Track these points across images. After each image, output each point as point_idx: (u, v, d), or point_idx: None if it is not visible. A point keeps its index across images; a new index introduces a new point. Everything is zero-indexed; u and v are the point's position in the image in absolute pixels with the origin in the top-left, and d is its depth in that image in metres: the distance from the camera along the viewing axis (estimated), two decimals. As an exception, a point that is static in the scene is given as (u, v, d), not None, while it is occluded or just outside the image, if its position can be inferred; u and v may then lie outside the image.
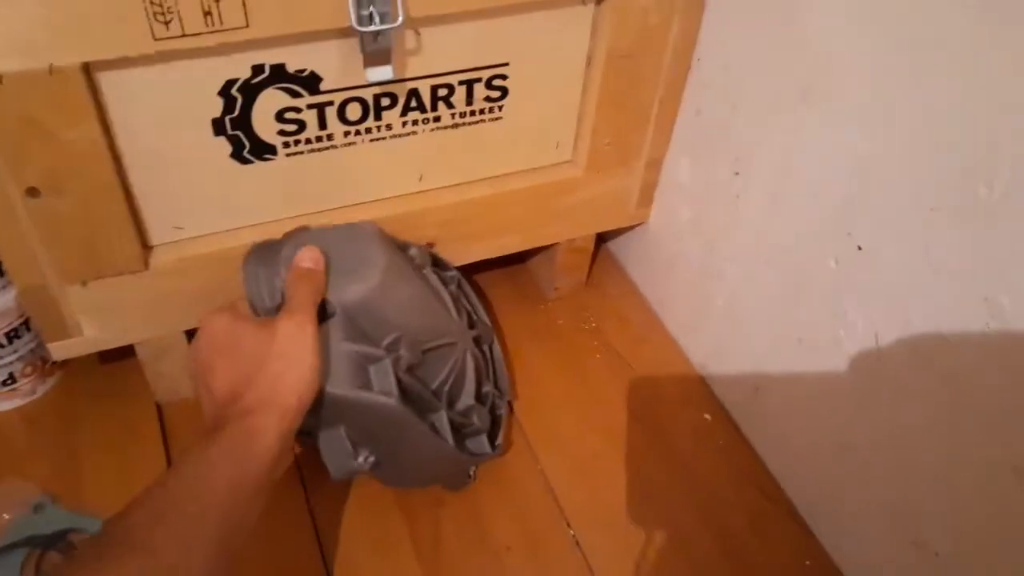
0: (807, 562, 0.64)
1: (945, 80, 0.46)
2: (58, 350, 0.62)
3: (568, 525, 0.66)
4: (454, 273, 0.69)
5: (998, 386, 0.47)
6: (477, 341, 0.67)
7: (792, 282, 0.62)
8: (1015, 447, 0.46)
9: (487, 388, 0.67)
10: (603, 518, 0.66)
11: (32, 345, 0.67)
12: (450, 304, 0.64)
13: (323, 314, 0.54)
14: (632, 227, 0.85)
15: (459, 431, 0.63)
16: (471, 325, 0.67)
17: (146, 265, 0.60)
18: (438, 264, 0.68)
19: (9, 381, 0.67)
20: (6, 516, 0.61)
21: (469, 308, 0.69)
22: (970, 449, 0.50)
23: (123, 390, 0.71)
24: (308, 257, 0.54)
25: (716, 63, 0.66)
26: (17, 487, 0.63)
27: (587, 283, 0.87)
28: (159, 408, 0.71)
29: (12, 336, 0.65)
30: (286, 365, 0.49)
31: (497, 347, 0.72)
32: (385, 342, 0.56)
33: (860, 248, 0.55)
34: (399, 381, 0.56)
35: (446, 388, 0.62)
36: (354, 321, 0.55)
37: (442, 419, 0.60)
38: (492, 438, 0.66)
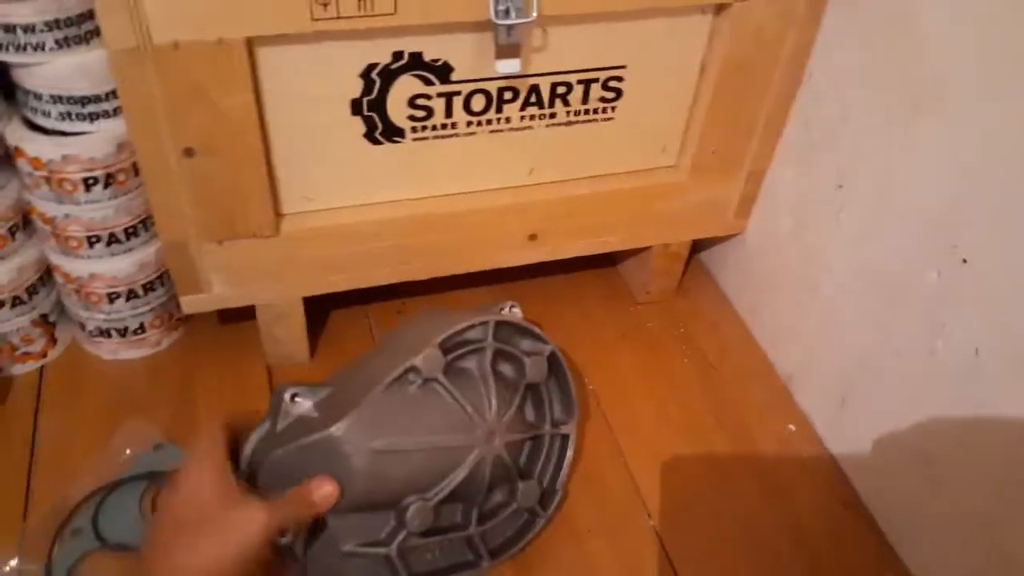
0: (887, 575, 0.65)
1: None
2: (189, 304, 0.67)
3: (648, 516, 0.67)
4: (548, 347, 0.64)
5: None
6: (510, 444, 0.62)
7: (890, 295, 0.63)
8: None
9: (503, 493, 0.63)
10: (683, 514, 0.68)
11: (164, 299, 0.73)
12: (470, 410, 0.59)
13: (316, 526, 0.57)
14: (727, 238, 0.86)
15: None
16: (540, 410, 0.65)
17: (277, 231, 0.65)
18: (531, 335, 0.64)
19: (140, 330, 0.73)
20: (129, 451, 0.66)
21: (547, 396, 0.66)
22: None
23: (239, 350, 0.76)
24: (324, 494, 0.55)
25: (828, 76, 0.68)
26: (140, 427, 0.68)
27: (678, 290, 0.88)
28: (269, 370, 0.75)
29: (148, 288, 0.71)
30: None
31: (571, 436, 0.66)
32: (393, 516, 0.58)
33: (965, 261, 0.55)
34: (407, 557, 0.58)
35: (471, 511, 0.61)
36: (357, 508, 0.56)
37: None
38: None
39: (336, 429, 0.55)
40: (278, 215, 0.65)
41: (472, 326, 0.60)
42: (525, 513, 0.64)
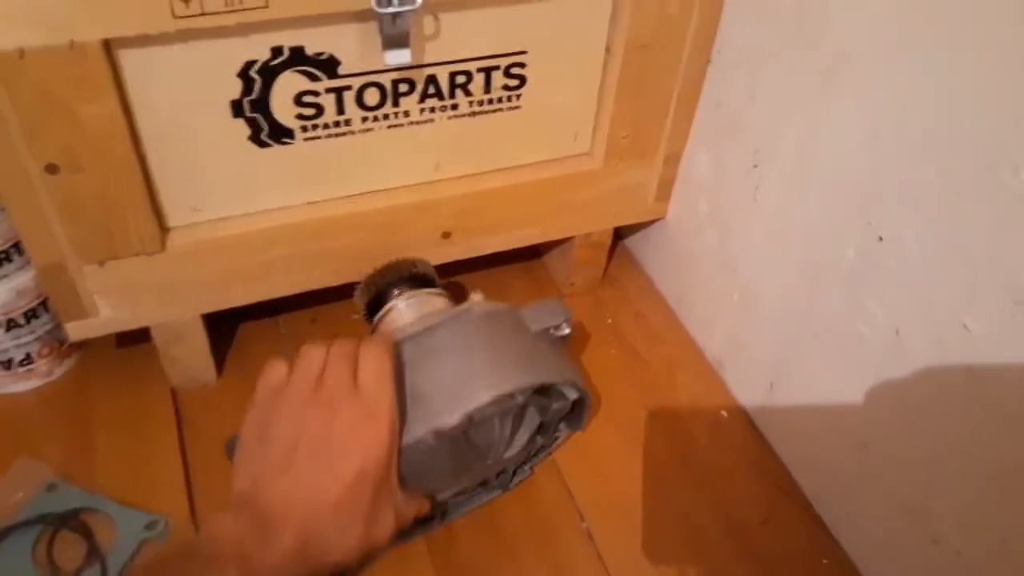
0: (824, 560, 0.63)
1: (970, 61, 0.46)
2: (75, 330, 0.62)
3: (581, 517, 0.65)
4: (576, 394, 0.60)
5: (1016, 377, 0.46)
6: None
7: (810, 275, 0.61)
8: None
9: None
10: (617, 511, 0.65)
11: (50, 326, 0.67)
12: (480, 455, 0.58)
13: None
14: (650, 223, 0.84)
15: None
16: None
17: (163, 247, 0.60)
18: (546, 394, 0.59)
19: (26, 361, 0.68)
20: (20, 495, 0.61)
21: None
22: (992, 444, 0.48)
23: (138, 374, 0.71)
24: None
25: (736, 54, 0.65)
26: (31, 466, 0.63)
27: (604, 279, 0.86)
28: (174, 393, 0.71)
29: (30, 316, 0.66)
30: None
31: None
32: None
33: (881, 238, 0.54)
34: None
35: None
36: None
37: None
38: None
39: None
40: (163, 229, 0.61)
41: (511, 392, 0.54)
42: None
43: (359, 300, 0.65)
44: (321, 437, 0.48)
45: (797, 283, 0.63)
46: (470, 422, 0.53)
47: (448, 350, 0.54)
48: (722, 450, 0.71)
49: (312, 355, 0.51)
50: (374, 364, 0.51)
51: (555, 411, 0.59)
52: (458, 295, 0.71)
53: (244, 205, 0.62)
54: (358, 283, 0.64)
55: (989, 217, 0.46)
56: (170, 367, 0.69)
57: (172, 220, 0.61)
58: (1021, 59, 0.43)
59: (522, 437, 0.60)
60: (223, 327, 0.75)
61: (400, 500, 0.50)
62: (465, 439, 0.55)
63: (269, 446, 0.48)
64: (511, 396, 0.54)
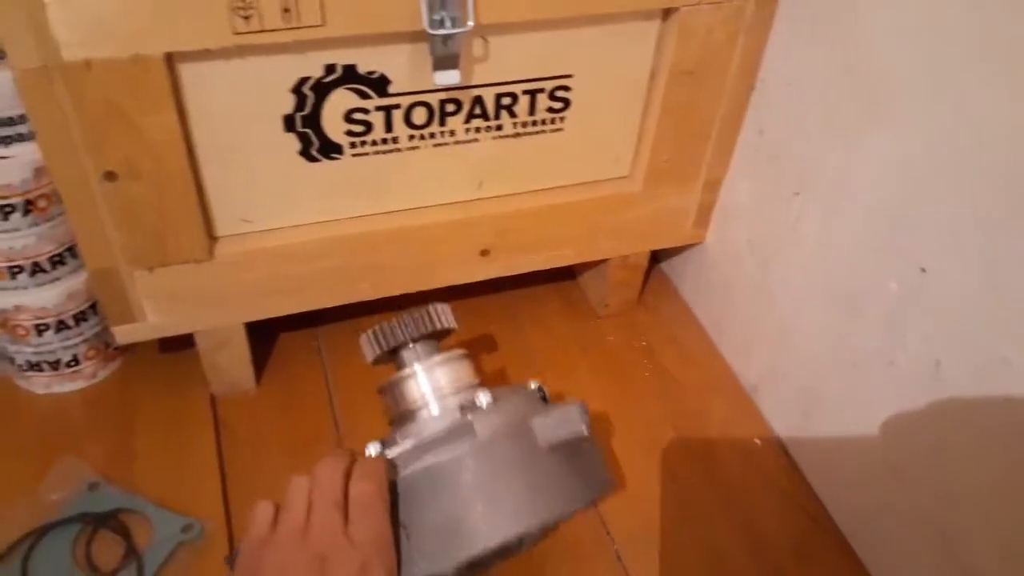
0: (855, 592, 0.63)
1: (1011, 86, 0.46)
2: (122, 334, 0.64)
3: (612, 539, 0.65)
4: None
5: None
6: None
7: (849, 305, 0.61)
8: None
9: None
10: (646, 535, 0.65)
11: (97, 329, 0.69)
12: None
13: None
14: (687, 248, 0.84)
15: None
16: None
17: (211, 255, 0.62)
18: None
19: (73, 363, 0.69)
20: (62, 493, 0.63)
21: None
22: (1018, 476, 0.48)
23: (180, 380, 0.72)
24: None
25: (780, 82, 0.66)
26: (74, 465, 0.64)
27: (639, 302, 0.86)
28: (213, 399, 0.72)
29: (79, 318, 0.67)
30: None
31: None
32: None
33: (923, 270, 0.54)
34: None
35: None
36: None
37: None
38: None
39: None
40: (212, 238, 0.62)
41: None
42: None
43: (367, 349, 0.56)
44: (314, 561, 0.43)
45: (836, 313, 0.63)
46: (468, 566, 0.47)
47: (445, 486, 0.47)
48: (754, 477, 0.70)
49: (298, 494, 0.46)
50: (367, 506, 0.45)
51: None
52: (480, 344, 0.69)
53: (291, 217, 0.64)
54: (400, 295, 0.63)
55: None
56: (212, 373, 0.71)
57: (221, 229, 0.62)
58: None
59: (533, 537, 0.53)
60: (264, 336, 0.76)
61: None
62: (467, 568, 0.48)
63: None
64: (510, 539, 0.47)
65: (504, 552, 0.52)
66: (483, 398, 0.50)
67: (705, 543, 0.65)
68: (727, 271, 0.78)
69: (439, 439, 0.48)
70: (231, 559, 0.47)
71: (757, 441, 0.73)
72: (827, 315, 0.64)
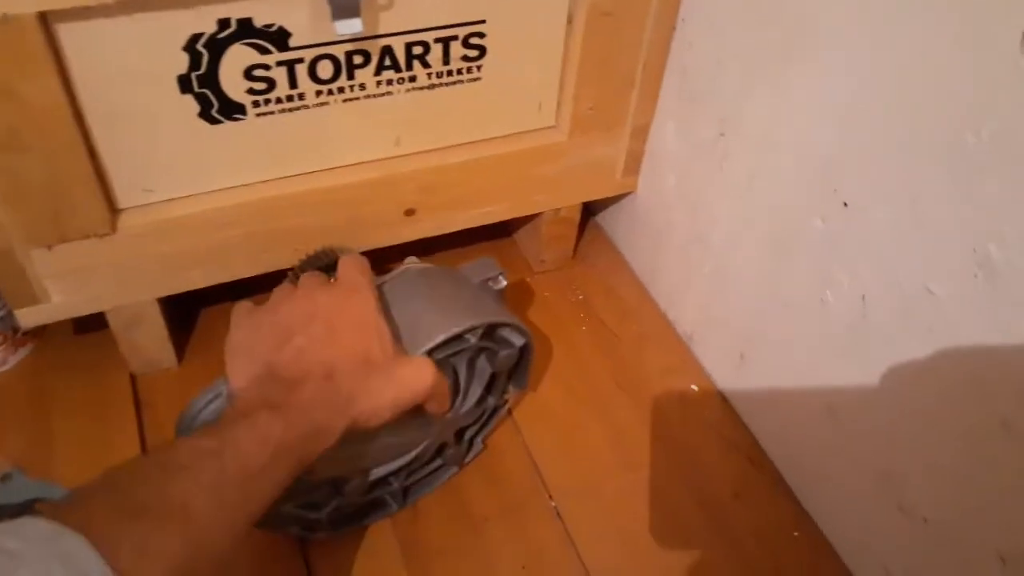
0: (795, 533, 0.63)
1: (932, 24, 0.44)
2: (26, 316, 0.60)
3: (549, 496, 0.64)
4: (523, 340, 0.60)
5: (985, 339, 0.45)
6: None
7: (777, 244, 0.61)
8: (1002, 400, 0.45)
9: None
10: (586, 489, 0.65)
11: (2, 314, 0.66)
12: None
13: None
14: (619, 197, 0.83)
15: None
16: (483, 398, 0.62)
17: (114, 228, 0.58)
18: (511, 326, 0.58)
19: (-21, 350, 0.66)
20: (-26, 486, 0.60)
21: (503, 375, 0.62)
22: (956, 406, 0.48)
23: (98, 361, 0.69)
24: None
25: (701, 21, 0.64)
26: (-15, 457, 0.61)
27: (575, 256, 0.85)
28: (133, 379, 0.69)
29: (-20, 304, 0.64)
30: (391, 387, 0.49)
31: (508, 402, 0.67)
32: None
33: (846, 205, 0.53)
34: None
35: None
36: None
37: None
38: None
39: None
40: (114, 211, 0.59)
41: (465, 331, 0.55)
42: (438, 460, 0.63)
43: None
44: (309, 314, 0.49)
45: (765, 254, 0.62)
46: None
47: (395, 302, 0.54)
48: (693, 424, 0.70)
49: (280, 290, 0.53)
50: (351, 264, 0.54)
51: (503, 359, 0.59)
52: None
53: (198, 184, 0.61)
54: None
55: (951, 180, 0.45)
56: (129, 352, 0.68)
57: (123, 201, 0.59)
58: (981, 20, 0.42)
59: (475, 391, 0.61)
60: (184, 311, 0.73)
61: (420, 360, 0.52)
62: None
63: (263, 342, 0.49)
64: (462, 338, 0.55)
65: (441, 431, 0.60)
66: (410, 259, 0.61)
67: (648, 492, 0.65)
68: (658, 219, 0.77)
69: (383, 278, 0.57)
70: (182, 419, 0.51)
71: (695, 388, 0.73)
72: (757, 257, 0.63)
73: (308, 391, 0.46)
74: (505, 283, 0.62)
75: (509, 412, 0.69)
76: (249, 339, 0.49)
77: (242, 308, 0.52)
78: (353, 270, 0.53)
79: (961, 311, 0.46)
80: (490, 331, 0.58)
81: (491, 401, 0.63)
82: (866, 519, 0.58)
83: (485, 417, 0.65)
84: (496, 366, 0.59)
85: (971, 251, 0.45)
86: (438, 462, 0.63)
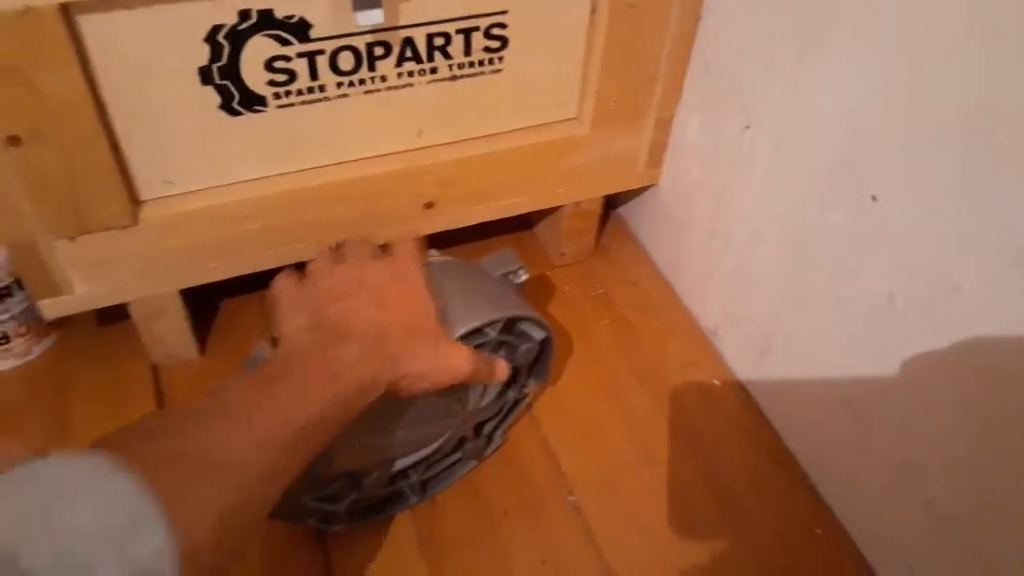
0: (817, 530, 0.62)
1: (952, 13, 0.43)
2: (49, 308, 0.61)
3: (569, 491, 0.64)
4: (543, 334, 0.60)
5: (1009, 332, 0.44)
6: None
7: (800, 239, 0.60)
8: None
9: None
10: (605, 484, 0.64)
11: (25, 305, 0.66)
12: (456, 404, 0.59)
13: None
14: (642, 190, 0.82)
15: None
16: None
17: (135, 220, 0.58)
18: (531, 320, 0.59)
19: (3, 340, 0.66)
20: (-2, 475, 0.60)
21: (525, 369, 0.63)
22: (977, 401, 0.47)
23: (120, 352, 0.70)
24: (503, 373, 0.57)
25: (725, 13, 0.63)
26: (7, 446, 0.62)
27: (596, 249, 0.84)
28: (155, 371, 0.69)
29: (3, 295, 0.64)
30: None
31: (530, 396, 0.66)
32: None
33: (874, 198, 0.52)
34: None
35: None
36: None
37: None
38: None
39: None
40: (135, 202, 0.59)
41: (485, 324, 0.55)
42: (457, 454, 0.63)
43: None
44: (359, 280, 0.52)
45: (788, 249, 0.61)
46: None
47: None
48: (714, 419, 0.69)
49: (322, 259, 0.55)
50: (404, 243, 0.56)
51: (523, 353, 0.59)
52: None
53: (218, 176, 0.61)
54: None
55: (976, 175, 0.44)
56: (150, 344, 0.68)
57: (144, 193, 0.59)
58: (1001, 14, 0.40)
59: (495, 384, 0.60)
60: (205, 303, 0.74)
61: (460, 344, 0.53)
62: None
63: (313, 300, 0.51)
64: (482, 332, 0.55)
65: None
66: (432, 251, 0.61)
67: (667, 487, 0.64)
68: (681, 212, 0.76)
69: None
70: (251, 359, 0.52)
71: (716, 383, 0.72)
72: (780, 252, 0.62)
73: (356, 346, 0.47)
74: (526, 276, 0.62)
75: (529, 406, 0.68)
76: (298, 297, 0.52)
77: (288, 275, 0.54)
78: (405, 246, 0.56)
79: (982, 305, 0.45)
80: (510, 325, 0.58)
81: (511, 395, 0.63)
82: (887, 514, 0.57)
83: (505, 411, 0.65)
84: (516, 360, 0.59)
85: (995, 247, 0.44)
86: (457, 456, 0.63)
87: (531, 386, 0.64)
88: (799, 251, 0.60)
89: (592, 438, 0.67)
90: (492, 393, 0.61)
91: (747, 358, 0.70)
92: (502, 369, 0.57)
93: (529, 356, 0.60)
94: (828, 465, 0.63)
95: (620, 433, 0.68)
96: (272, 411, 0.41)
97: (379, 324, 0.49)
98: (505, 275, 0.61)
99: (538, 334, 0.59)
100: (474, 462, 0.64)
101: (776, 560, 0.60)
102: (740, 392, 0.71)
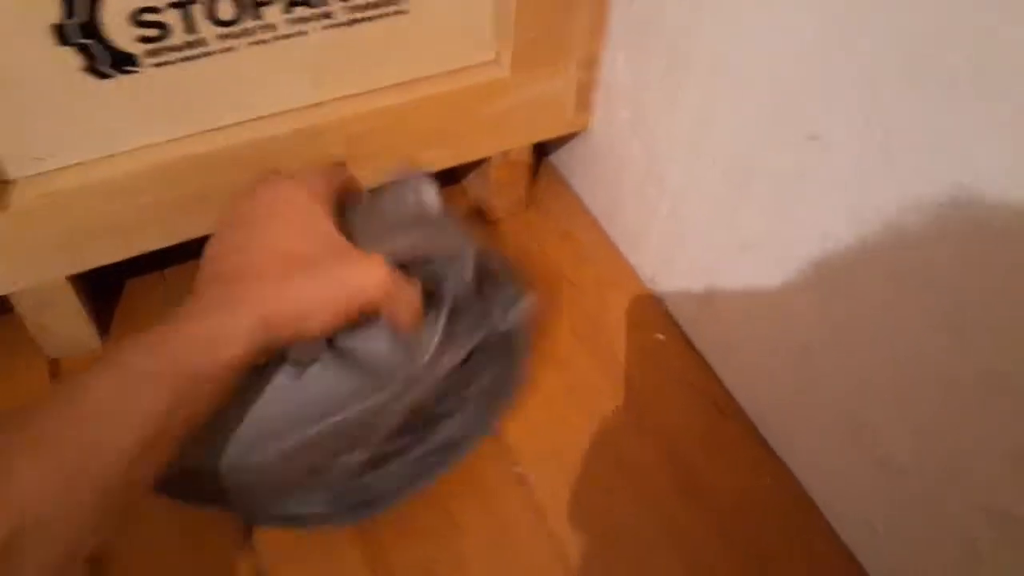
0: (768, 480, 0.59)
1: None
2: (-85, 305, 0.55)
3: (514, 462, 0.60)
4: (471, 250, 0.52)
5: (955, 278, 0.41)
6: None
7: (737, 181, 0.56)
8: (982, 349, 0.41)
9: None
10: (548, 451, 0.61)
11: None
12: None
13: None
14: (573, 137, 0.77)
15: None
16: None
17: (5, 204, 0.52)
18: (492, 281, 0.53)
19: None
20: None
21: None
22: (928, 350, 0.44)
23: (9, 344, 0.63)
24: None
25: (646, -66, 0.58)
26: None
27: (529, 201, 0.80)
28: (54, 363, 0.64)
29: None
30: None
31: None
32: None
33: (812, 138, 0.48)
34: None
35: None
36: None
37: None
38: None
39: None
40: (3, 183, 0.52)
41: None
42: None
43: None
44: (243, 212, 0.48)
45: (725, 190, 0.57)
46: None
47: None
48: (660, 375, 0.66)
49: None
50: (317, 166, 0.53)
51: (453, 283, 0.51)
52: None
53: (96, 148, 0.54)
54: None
55: (924, 109, 0.40)
56: (42, 337, 0.62)
57: (12, 172, 0.53)
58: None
59: (453, 354, 0.51)
60: (104, 283, 0.68)
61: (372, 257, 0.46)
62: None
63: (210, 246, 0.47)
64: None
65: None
66: None
67: (614, 451, 0.61)
68: (614, 157, 0.71)
69: None
70: None
71: (660, 337, 0.68)
72: (716, 193, 0.58)
73: (206, 297, 0.42)
74: (436, 193, 0.54)
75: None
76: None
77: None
78: (315, 168, 0.51)
79: (929, 251, 0.42)
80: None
81: (479, 335, 0.53)
82: (842, 468, 0.54)
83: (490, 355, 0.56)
84: (449, 290, 0.51)
85: (944, 184, 0.40)
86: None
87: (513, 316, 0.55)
88: (735, 193, 0.56)
89: (531, 404, 0.63)
90: (449, 360, 0.51)
91: (689, 308, 0.67)
92: (415, 296, 0.48)
93: (463, 280, 0.51)
94: (777, 415, 0.60)
95: (561, 397, 0.64)
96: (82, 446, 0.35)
97: (243, 264, 0.43)
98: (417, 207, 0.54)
99: (466, 250, 0.52)
100: (437, 469, 0.55)
101: (732, 520, 0.58)
102: (685, 344, 0.68)
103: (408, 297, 0.47)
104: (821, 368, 0.53)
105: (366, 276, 0.45)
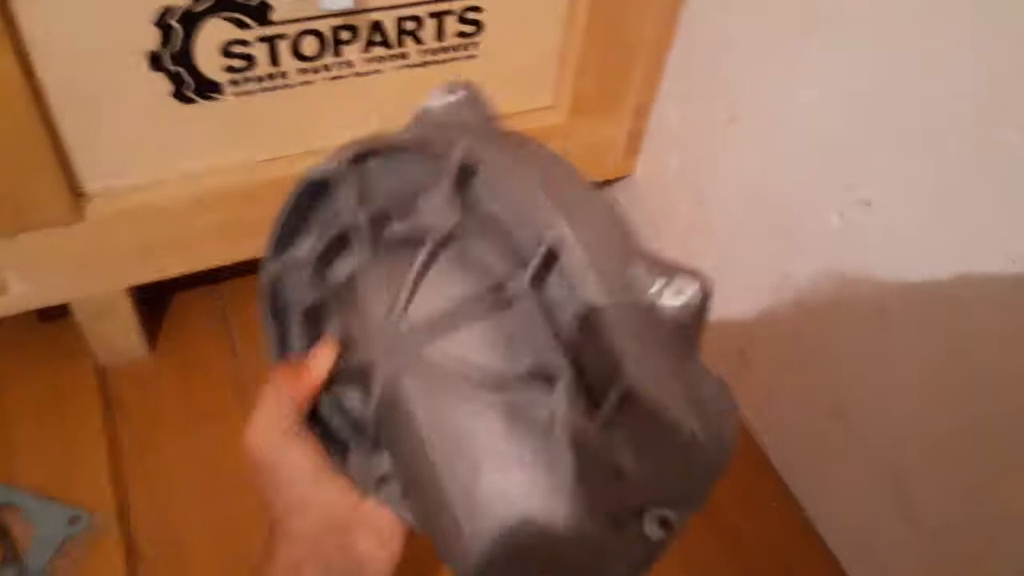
0: (796, 538, 0.61)
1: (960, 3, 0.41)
2: (-20, 310, 0.56)
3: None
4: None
5: (1009, 345, 0.42)
6: None
7: (788, 238, 0.57)
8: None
9: None
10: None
11: (-43, 303, 0.61)
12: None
13: None
14: (617, 180, 0.79)
15: None
16: None
17: (80, 216, 0.54)
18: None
19: (-67, 342, 0.61)
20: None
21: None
22: (970, 415, 0.45)
23: (63, 352, 0.65)
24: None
25: (711, -3, 0.60)
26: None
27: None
28: (101, 372, 0.65)
29: (-68, 293, 0.59)
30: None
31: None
32: None
33: (868, 203, 0.50)
34: None
35: None
36: None
37: None
38: None
39: None
40: (79, 196, 0.54)
41: None
42: None
43: None
44: None
45: (776, 247, 0.59)
46: None
47: None
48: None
49: None
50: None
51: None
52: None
53: (170, 168, 0.56)
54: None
55: (985, 179, 0.42)
56: (96, 344, 0.64)
57: (90, 186, 0.55)
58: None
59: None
60: (156, 297, 0.69)
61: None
62: None
63: None
64: None
65: None
66: None
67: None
68: (659, 203, 0.73)
69: None
70: None
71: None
72: (766, 248, 0.60)
73: None
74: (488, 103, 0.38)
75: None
76: None
77: None
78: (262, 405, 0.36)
79: (985, 318, 0.43)
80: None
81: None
82: (870, 528, 0.56)
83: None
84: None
85: (1003, 255, 0.42)
86: None
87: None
88: (787, 250, 0.58)
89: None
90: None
91: (727, 359, 0.68)
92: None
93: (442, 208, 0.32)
94: (809, 473, 0.62)
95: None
96: None
97: None
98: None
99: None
100: None
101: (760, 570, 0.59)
102: (718, 392, 0.69)
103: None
104: (855, 427, 0.55)
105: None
